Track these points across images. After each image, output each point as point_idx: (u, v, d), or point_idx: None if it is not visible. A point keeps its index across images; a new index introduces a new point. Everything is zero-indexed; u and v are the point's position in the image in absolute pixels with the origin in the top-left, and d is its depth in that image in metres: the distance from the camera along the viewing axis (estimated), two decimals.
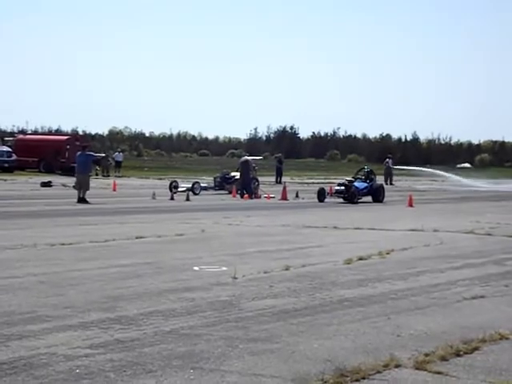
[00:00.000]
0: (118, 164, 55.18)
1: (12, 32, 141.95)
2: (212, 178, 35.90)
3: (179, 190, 30.90)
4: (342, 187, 29.39)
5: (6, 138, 57.26)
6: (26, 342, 6.71)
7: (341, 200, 28.95)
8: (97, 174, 47.81)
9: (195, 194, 31.21)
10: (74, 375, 5.83)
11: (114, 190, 33.70)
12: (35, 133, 75.09)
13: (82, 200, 25.31)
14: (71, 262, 11.65)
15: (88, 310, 8.12)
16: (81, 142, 45.26)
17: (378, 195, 29.95)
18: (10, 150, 50.91)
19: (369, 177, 30.47)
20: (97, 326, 7.38)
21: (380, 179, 48.87)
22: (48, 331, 7.13)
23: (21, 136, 59.04)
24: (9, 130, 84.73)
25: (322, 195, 29.00)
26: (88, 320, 7.64)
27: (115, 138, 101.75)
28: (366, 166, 32.93)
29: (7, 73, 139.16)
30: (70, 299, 8.67)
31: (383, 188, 30.92)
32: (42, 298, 8.68)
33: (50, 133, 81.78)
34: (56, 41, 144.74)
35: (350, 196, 28.76)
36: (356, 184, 29.76)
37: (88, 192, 25.91)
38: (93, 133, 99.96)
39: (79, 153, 27.23)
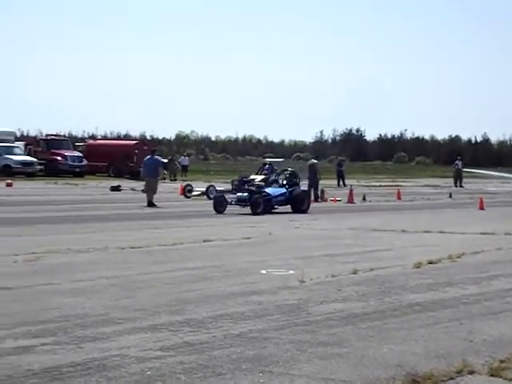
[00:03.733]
0: (185, 168, 55.79)
1: (80, 42, 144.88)
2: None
3: (193, 193, 30.34)
4: (246, 194, 23.12)
5: (77, 144, 58.44)
6: (99, 344, 6.83)
7: (247, 210, 22.72)
8: (164, 178, 48.38)
9: (210, 198, 29.21)
10: (146, 377, 5.91)
11: (181, 193, 34.02)
12: (105, 138, 76.49)
13: (150, 204, 25.64)
14: (141, 265, 11.83)
15: (158, 312, 8.22)
16: (149, 146, 45.89)
17: (299, 204, 23.87)
18: (81, 155, 51.95)
19: (292, 180, 25.02)
20: (167, 329, 7.47)
21: (449, 181, 48.22)
22: (120, 333, 7.25)
23: (91, 141, 60.21)
24: (80, 136, 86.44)
25: (220, 205, 23.16)
26: (158, 322, 7.74)
27: (182, 143, 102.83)
28: (289, 168, 27.22)
29: (78, 81, 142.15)
30: (140, 302, 8.80)
31: (308, 195, 25.35)
32: (114, 301, 8.83)
33: (118, 138, 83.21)
34: (124, 48, 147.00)
35: (252, 205, 22.56)
36: (269, 190, 23.93)
37: (155, 196, 26.23)
38: (160, 137, 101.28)
39: (148, 157, 27.60)
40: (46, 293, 9.25)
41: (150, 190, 26.28)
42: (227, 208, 23.07)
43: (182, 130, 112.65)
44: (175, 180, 50.51)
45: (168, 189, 37.70)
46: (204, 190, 30.84)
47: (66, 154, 50.73)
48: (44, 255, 12.37)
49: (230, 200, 23.21)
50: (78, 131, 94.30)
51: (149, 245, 14.26)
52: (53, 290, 9.43)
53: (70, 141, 57.21)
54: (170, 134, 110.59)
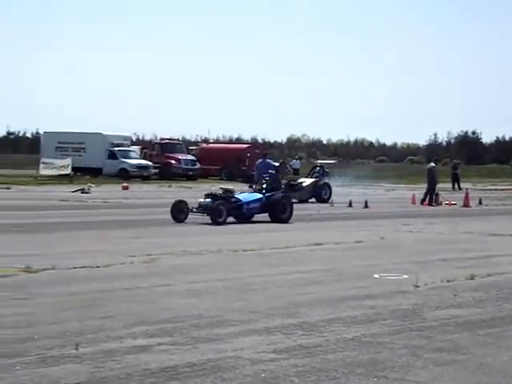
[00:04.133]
0: (296, 171, 55.86)
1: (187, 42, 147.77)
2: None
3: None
4: (209, 199, 19.99)
5: (191, 147, 59.54)
6: (213, 345, 6.93)
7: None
8: None
9: None
10: (260, 379, 5.95)
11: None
12: (217, 142, 77.67)
13: None
14: (253, 267, 11.93)
15: (271, 315, 8.27)
16: (260, 149, 46.26)
17: (278, 212, 20.52)
18: (194, 158, 52.91)
19: (271, 185, 21.59)
20: (280, 332, 7.50)
21: None
22: (234, 335, 7.33)
23: (204, 145, 61.24)
24: (193, 140, 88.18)
25: (180, 211, 19.96)
26: (272, 325, 7.78)
27: (293, 146, 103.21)
28: (270, 171, 23.74)
29: (191, 86, 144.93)
30: (253, 304, 8.87)
31: (289, 202, 21.20)
32: (228, 303, 8.94)
33: (231, 141, 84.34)
34: (233, 53, 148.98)
35: (212, 213, 19.37)
36: (241, 195, 20.88)
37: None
38: (272, 141, 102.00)
39: (260, 160, 27.85)
40: (162, 293, 9.47)
41: None
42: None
43: (294, 133, 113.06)
44: None
45: None
46: None
47: (179, 157, 51.78)
48: (159, 257, 12.66)
49: (191, 207, 19.94)
50: (192, 135, 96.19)
51: (261, 248, 14.37)
52: (168, 291, 9.64)
53: (184, 144, 58.34)
54: (282, 137, 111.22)
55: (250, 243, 14.99)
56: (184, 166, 51.27)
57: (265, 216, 20.71)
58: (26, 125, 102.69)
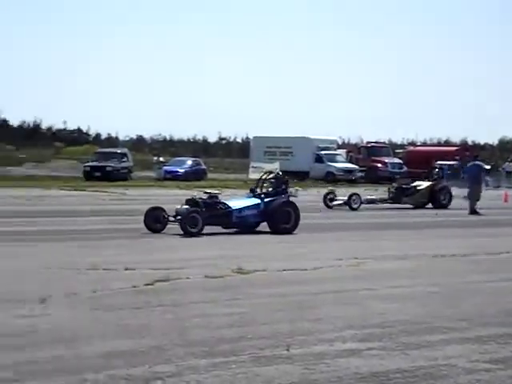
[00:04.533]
0: (509, 175, 53.55)
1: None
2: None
3: (335, 203, 25.98)
4: (186, 206, 16.62)
5: (397, 150, 59.02)
6: (424, 352, 6.80)
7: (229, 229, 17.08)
8: (487, 185, 46.90)
9: (352, 208, 25.21)
10: None
11: (505, 200, 32.72)
12: (424, 144, 76.31)
13: (473, 211, 25.04)
14: (464, 273, 11.61)
15: (484, 323, 8.00)
16: (470, 152, 44.86)
17: (278, 221, 16.95)
18: (400, 161, 52.38)
19: (274, 189, 17.65)
20: (494, 341, 7.24)
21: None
22: (445, 343, 7.16)
23: (411, 148, 60.43)
24: (399, 143, 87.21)
25: (155, 221, 16.49)
26: (484, 334, 7.52)
27: (505, 148, 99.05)
28: (274, 170, 19.30)
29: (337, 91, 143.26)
30: (463, 311, 8.63)
31: (294, 209, 17.30)
32: (436, 309, 8.75)
33: (439, 144, 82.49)
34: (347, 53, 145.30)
35: (182, 222, 15.92)
36: (232, 201, 17.52)
37: (478, 203, 25.54)
38: (482, 143, 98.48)
39: (470, 163, 27.06)
40: (368, 297, 9.43)
41: (473, 197, 25.63)
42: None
43: (506, 135, 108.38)
44: (499, 187, 48.70)
45: (490, 196, 36.47)
46: (346, 198, 25.56)
47: (386, 160, 51.49)
48: (365, 261, 12.61)
49: (167, 215, 16.55)
50: (398, 138, 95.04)
51: (474, 253, 13.95)
52: (374, 295, 9.59)
53: (390, 147, 57.88)
54: (493, 139, 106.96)
55: (461, 248, 14.55)
56: (391, 169, 50.84)
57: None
58: (236, 130, 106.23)
